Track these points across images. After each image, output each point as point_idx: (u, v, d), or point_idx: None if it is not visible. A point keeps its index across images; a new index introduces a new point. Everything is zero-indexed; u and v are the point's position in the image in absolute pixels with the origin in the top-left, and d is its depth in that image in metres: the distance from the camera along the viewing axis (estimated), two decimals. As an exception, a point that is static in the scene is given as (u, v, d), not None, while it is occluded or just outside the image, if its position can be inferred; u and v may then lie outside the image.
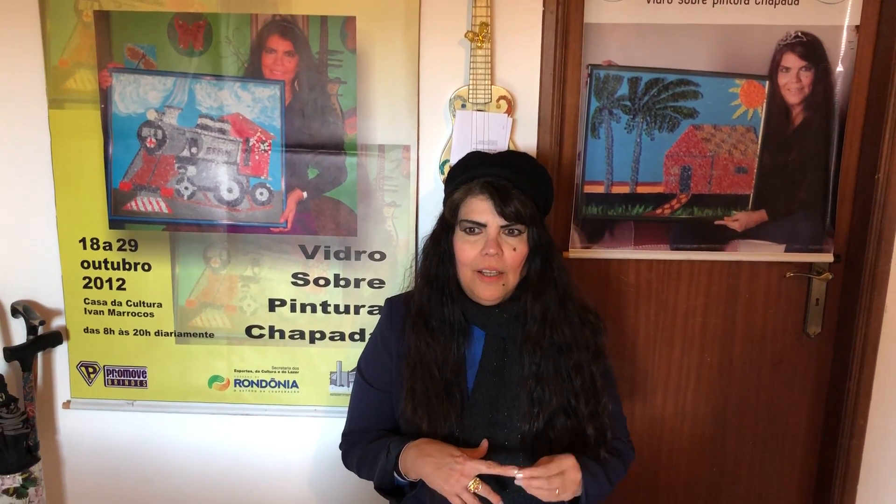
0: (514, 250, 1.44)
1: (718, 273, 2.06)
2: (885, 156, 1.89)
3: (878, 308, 1.98)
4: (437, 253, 1.51)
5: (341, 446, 1.66)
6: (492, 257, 1.42)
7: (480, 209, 1.43)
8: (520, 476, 1.30)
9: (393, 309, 1.59)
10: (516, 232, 1.44)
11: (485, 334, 1.51)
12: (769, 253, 2.02)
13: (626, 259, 2.04)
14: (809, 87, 1.92)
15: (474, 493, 1.32)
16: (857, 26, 1.88)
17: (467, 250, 1.45)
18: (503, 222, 1.42)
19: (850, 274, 2.04)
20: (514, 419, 1.47)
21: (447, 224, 1.50)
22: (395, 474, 1.47)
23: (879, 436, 2.06)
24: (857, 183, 1.99)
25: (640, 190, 1.98)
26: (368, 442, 1.57)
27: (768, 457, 2.18)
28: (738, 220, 2.00)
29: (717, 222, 2.00)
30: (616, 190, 1.98)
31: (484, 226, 1.43)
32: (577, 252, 2.00)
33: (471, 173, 1.47)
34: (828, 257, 2.01)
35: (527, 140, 1.87)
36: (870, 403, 2.03)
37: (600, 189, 1.98)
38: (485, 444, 1.41)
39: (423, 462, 1.39)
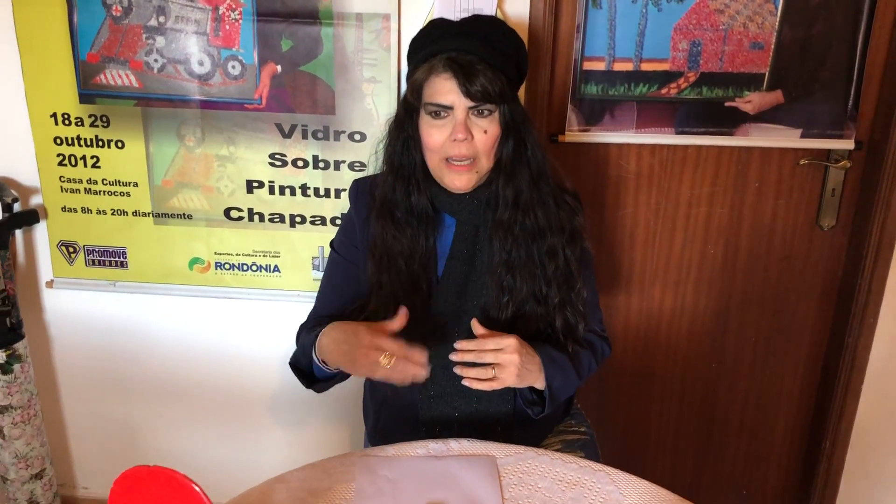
0: (486, 133, 1.31)
1: (727, 159, 1.91)
2: (920, 29, 1.70)
3: (898, 200, 1.82)
4: (402, 138, 1.37)
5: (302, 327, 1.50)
6: (461, 143, 1.30)
7: (445, 90, 1.29)
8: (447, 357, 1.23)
9: (359, 192, 1.48)
10: (486, 112, 1.31)
11: (455, 221, 1.41)
12: (783, 138, 1.85)
13: (627, 143, 1.89)
14: (840, -51, 1.71)
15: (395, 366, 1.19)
16: None
17: (434, 135, 1.32)
18: (471, 103, 1.28)
19: (871, 162, 1.87)
20: (484, 309, 1.38)
21: (411, 106, 1.36)
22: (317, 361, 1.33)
23: (889, 335, 1.94)
24: (888, 59, 1.79)
25: (645, 67, 1.81)
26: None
27: (771, 354, 2.09)
28: (750, 101, 1.83)
29: (727, 104, 1.83)
30: (618, 67, 1.82)
31: (450, 108, 1.30)
32: (573, 135, 1.86)
33: (432, 48, 1.32)
34: (848, 143, 1.84)
35: (518, 9, 1.71)
36: (882, 301, 1.91)
37: (601, 66, 1.82)
38: (402, 311, 1.25)
39: (333, 349, 1.27)
